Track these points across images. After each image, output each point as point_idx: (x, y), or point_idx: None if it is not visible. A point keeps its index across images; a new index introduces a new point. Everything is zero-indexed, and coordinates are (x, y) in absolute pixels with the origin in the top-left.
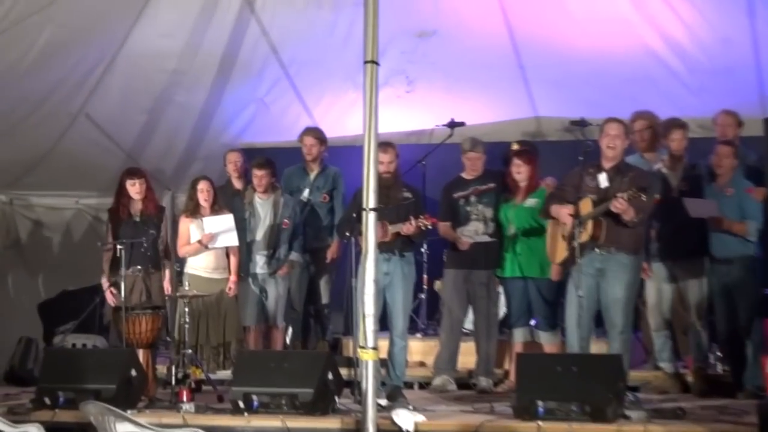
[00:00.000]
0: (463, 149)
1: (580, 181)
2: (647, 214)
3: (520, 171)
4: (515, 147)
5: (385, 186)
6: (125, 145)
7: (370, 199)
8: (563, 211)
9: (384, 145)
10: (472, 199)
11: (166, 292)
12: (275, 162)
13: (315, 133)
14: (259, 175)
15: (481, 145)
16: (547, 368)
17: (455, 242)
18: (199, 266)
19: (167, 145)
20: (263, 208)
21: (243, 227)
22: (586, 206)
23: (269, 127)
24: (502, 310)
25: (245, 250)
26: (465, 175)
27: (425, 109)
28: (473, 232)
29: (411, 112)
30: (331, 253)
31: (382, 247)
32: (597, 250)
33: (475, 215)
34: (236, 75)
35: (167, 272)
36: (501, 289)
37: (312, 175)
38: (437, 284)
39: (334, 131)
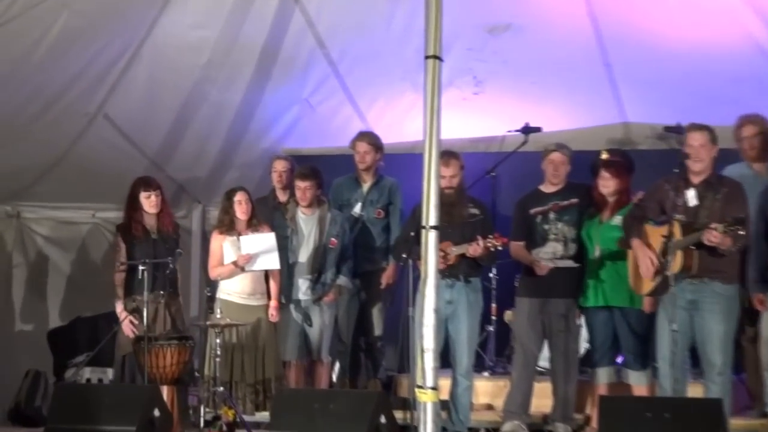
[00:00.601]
0: (545, 151)
1: (664, 198)
2: (748, 240)
3: (607, 185)
4: (604, 156)
5: (448, 203)
6: (149, 150)
7: (430, 215)
8: (646, 261)
9: (446, 156)
10: (551, 216)
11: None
12: (321, 172)
13: (369, 138)
14: (302, 187)
15: (567, 149)
16: (635, 414)
17: (531, 266)
18: (234, 291)
19: (198, 150)
20: (307, 225)
21: (284, 247)
22: (674, 231)
23: (315, 131)
24: (584, 346)
25: (286, 273)
26: (543, 188)
27: (495, 113)
28: (552, 255)
29: (479, 117)
30: (385, 278)
31: (445, 271)
32: (689, 280)
33: (553, 235)
34: (278, 72)
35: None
36: (582, 321)
37: (365, 187)
38: (508, 315)
39: (390, 137)
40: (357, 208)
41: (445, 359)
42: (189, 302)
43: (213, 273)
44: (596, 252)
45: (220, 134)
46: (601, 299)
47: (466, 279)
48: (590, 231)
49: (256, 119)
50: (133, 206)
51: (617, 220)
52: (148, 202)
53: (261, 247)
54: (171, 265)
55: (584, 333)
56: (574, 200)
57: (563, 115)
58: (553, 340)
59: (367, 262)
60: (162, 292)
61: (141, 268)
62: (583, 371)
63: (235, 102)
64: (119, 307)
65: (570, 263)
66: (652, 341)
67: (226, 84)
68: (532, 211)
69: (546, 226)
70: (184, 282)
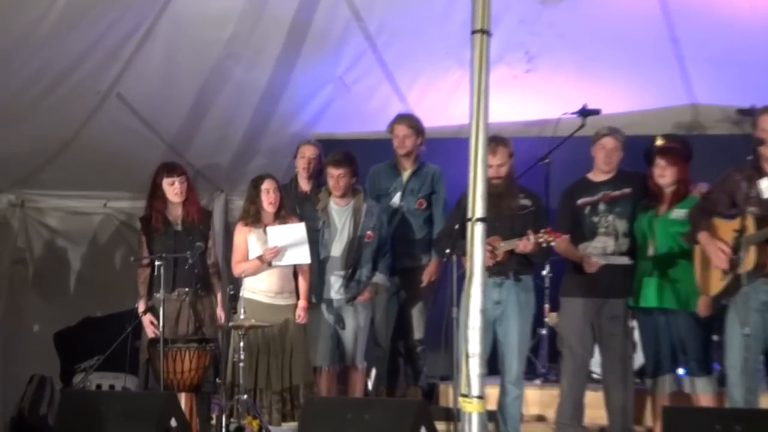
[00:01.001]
0: (596, 135)
1: (735, 189)
2: None
3: (664, 174)
4: (659, 142)
5: (496, 194)
6: (167, 133)
7: (477, 206)
8: (717, 252)
9: (494, 142)
10: (601, 207)
11: (218, 322)
12: (357, 158)
13: (409, 121)
14: (336, 175)
15: (621, 134)
16: (703, 426)
17: (579, 263)
18: (259, 289)
19: (220, 134)
20: (340, 217)
21: (315, 240)
22: (747, 225)
23: (350, 113)
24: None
25: (317, 269)
26: (592, 176)
27: (550, 93)
28: (601, 250)
29: (531, 97)
30: (427, 275)
31: (493, 268)
32: (764, 279)
33: (603, 228)
34: (309, 47)
35: (219, 296)
36: (635, 324)
37: (404, 175)
38: (552, 317)
39: (432, 120)
40: (396, 199)
41: (493, 365)
42: None
43: (237, 269)
44: (651, 249)
45: (245, 117)
46: (659, 300)
47: (516, 277)
48: (645, 225)
49: (284, 100)
50: (154, 195)
51: (677, 213)
52: (172, 190)
53: (290, 239)
54: (189, 260)
55: (637, 337)
56: (627, 190)
57: (625, 96)
58: (606, 345)
59: (406, 258)
60: (186, 290)
61: (157, 263)
62: (638, 380)
63: (261, 81)
64: (141, 307)
65: (624, 260)
66: (712, 347)
67: (252, 61)
68: (580, 201)
69: (595, 219)
70: None
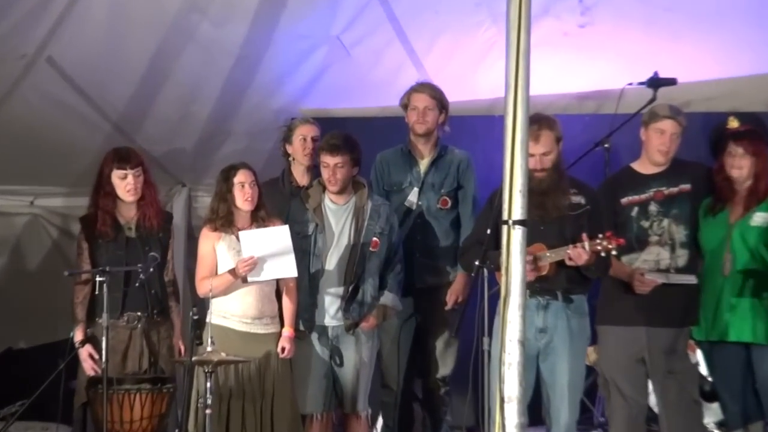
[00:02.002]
0: (650, 115)
1: None
2: None
3: (740, 165)
4: (733, 124)
5: (540, 189)
6: (112, 110)
7: (515, 205)
8: None
9: (538, 123)
10: (653, 208)
11: (177, 356)
12: (358, 142)
13: (432, 90)
14: (332, 165)
15: (683, 117)
16: None
17: (626, 280)
18: (232, 313)
19: (182, 111)
20: (338, 219)
21: (305, 250)
22: None
23: (350, 83)
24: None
25: (307, 287)
26: (639, 168)
27: (610, 57)
28: (654, 264)
29: (586, 62)
30: (453, 295)
31: (536, 286)
32: None
33: (656, 235)
34: None
35: (178, 322)
36: (699, 358)
37: (422, 164)
38: (590, 353)
39: (457, 93)
40: (411, 195)
41: (536, 412)
42: None
43: (202, 287)
44: (726, 265)
45: (214, 88)
46: (736, 332)
47: (565, 297)
48: (715, 233)
49: (264, 67)
50: (101, 190)
51: (759, 218)
52: (124, 185)
53: (270, 247)
54: (141, 275)
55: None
56: (686, 186)
57: (709, 61)
58: (662, 386)
59: (425, 272)
60: (138, 314)
61: (99, 279)
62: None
63: (234, 42)
64: (78, 336)
65: (690, 279)
66: None
67: (222, 15)
68: (625, 200)
69: (645, 223)
70: None
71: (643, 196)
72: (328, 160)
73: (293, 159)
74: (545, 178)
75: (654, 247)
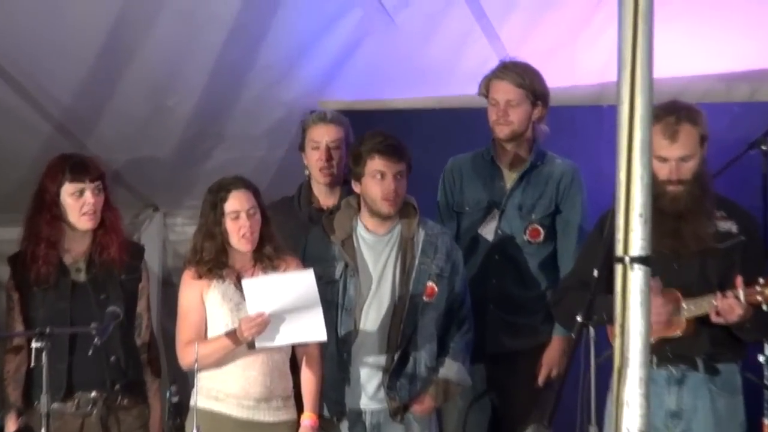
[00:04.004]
0: None
1: None
2: None
3: None
4: None
5: (674, 211)
6: (55, 105)
7: (633, 235)
8: None
9: (674, 114)
10: None
11: None
12: (408, 145)
13: (515, 77)
14: (390, 174)
15: None
16: None
17: None
18: (228, 392)
19: (153, 106)
20: (377, 256)
21: (329, 300)
22: None
23: (393, 66)
24: None
25: (335, 354)
26: None
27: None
28: None
29: (735, 31)
30: (546, 365)
31: (667, 351)
32: None
33: None
34: None
35: (157, 405)
36: None
37: (509, 177)
38: None
39: (549, 76)
40: (488, 221)
41: None
42: None
43: (186, 354)
44: None
45: (198, 75)
46: None
47: (709, 367)
48: None
49: (269, 42)
50: (44, 215)
51: None
52: (79, 206)
53: (287, 299)
54: (97, 339)
55: None
56: None
57: None
58: None
59: (505, 332)
60: (93, 394)
61: (36, 344)
62: None
63: (226, 7)
64: (10, 426)
65: None
66: None
67: None
68: None
69: None
70: None
71: None
72: (386, 168)
73: (309, 173)
74: (683, 195)
75: None
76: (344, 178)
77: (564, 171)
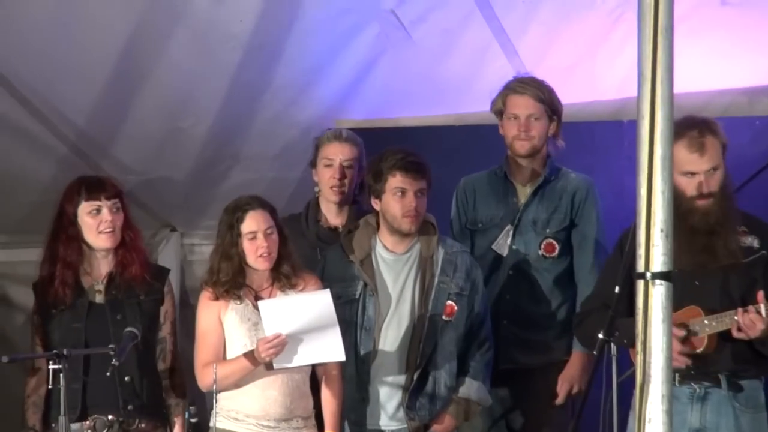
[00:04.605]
0: None
1: None
2: None
3: None
4: None
5: (698, 226)
6: (69, 126)
7: (654, 251)
8: None
9: (699, 129)
10: None
11: None
12: (427, 162)
13: (535, 91)
14: (412, 191)
15: None
16: None
17: None
18: (248, 413)
19: (168, 126)
20: (396, 275)
21: (349, 320)
22: None
23: (409, 83)
24: None
25: (354, 374)
26: None
27: None
28: None
29: (755, 41)
30: (565, 383)
31: (689, 368)
32: None
33: None
34: None
35: (179, 427)
36: None
37: (522, 192)
38: None
39: (567, 91)
40: (502, 236)
41: None
42: None
43: (204, 376)
44: None
45: (214, 92)
46: None
47: (732, 383)
48: None
49: (285, 61)
50: (62, 236)
51: None
52: (97, 224)
53: (305, 319)
54: (114, 360)
55: None
56: None
57: None
58: None
59: (522, 350)
60: (109, 418)
61: (51, 366)
62: None
63: (243, 23)
64: None
65: None
66: None
67: None
68: None
69: None
70: None
71: None
72: (408, 185)
73: (319, 190)
74: (713, 209)
75: None
76: (354, 198)
77: (578, 185)
